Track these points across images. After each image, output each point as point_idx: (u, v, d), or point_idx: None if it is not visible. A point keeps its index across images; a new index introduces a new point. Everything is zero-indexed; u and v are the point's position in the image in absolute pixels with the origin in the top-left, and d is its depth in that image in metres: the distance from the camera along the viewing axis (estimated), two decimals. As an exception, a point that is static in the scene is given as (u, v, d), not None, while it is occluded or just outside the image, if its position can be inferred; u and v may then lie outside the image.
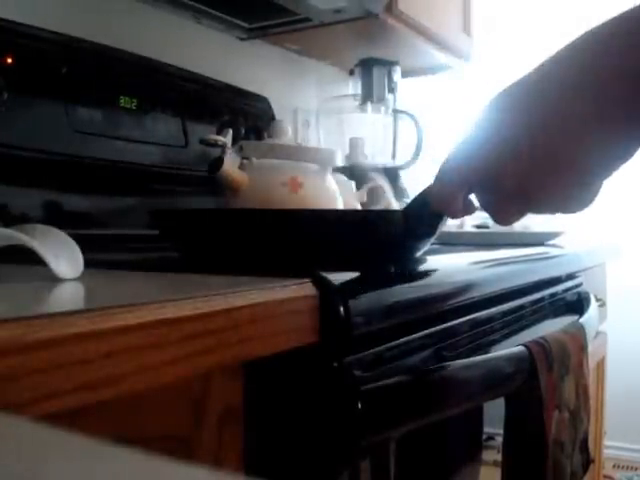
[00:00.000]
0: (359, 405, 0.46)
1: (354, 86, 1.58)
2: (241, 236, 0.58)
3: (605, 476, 1.98)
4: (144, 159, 0.99)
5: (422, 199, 0.53)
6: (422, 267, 0.64)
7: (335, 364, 0.46)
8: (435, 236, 0.61)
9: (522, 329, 0.76)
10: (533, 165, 0.42)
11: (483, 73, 2.05)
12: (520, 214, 0.47)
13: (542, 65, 0.43)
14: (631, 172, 2.33)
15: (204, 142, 1.03)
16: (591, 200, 0.45)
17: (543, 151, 0.42)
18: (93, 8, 1.07)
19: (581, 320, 0.81)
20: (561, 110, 0.41)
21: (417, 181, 1.25)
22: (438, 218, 0.56)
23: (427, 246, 0.64)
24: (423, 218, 0.55)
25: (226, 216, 0.61)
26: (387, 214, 0.69)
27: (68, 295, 0.43)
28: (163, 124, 1.04)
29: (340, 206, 0.87)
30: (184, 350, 0.35)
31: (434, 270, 0.65)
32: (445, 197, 0.49)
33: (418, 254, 0.64)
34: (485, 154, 0.45)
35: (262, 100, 1.28)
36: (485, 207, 0.49)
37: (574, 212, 0.46)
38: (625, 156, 0.42)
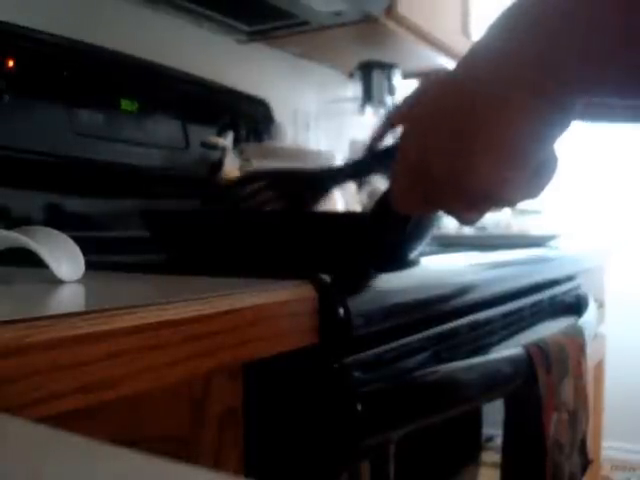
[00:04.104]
0: (358, 406, 0.46)
1: (354, 89, 1.58)
2: (237, 238, 0.58)
3: (603, 477, 1.98)
4: (145, 161, 1.00)
5: (385, 200, 0.49)
6: (422, 269, 0.64)
7: (335, 365, 0.47)
8: (421, 238, 0.61)
9: (521, 331, 0.76)
10: (454, 145, 0.40)
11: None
12: (473, 208, 0.43)
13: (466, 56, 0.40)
14: (630, 173, 2.33)
15: (205, 144, 1.03)
16: (543, 181, 0.42)
17: (462, 129, 0.39)
18: (94, 11, 1.07)
19: (580, 322, 0.81)
20: (483, 84, 0.38)
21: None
22: (404, 219, 0.53)
23: (420, 247, 0.64)
24: (388, 220, 0.52)
25: (220, 217, 0.61)
26: (354, 217, 0.68)
27: (69, 297, 0.43)
28: (164, 127, 1.04)
29: (340, 208, 0.88)
30: (184, 351, 0.36)
31: (433, 272, 0.65)
32: (399, 195, 0.46)
33: (411, 256, 0.64)
34: (415, 144, 0.43)
35: (262, 103, 1.28)
36: (439, 204, 0.45)
37: (527, 198, 0.42)
38: (558, 129, 0.38)
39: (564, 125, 0.38)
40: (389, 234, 0.55)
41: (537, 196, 0.43)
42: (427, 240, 0.65)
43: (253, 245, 0.57)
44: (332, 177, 0.62)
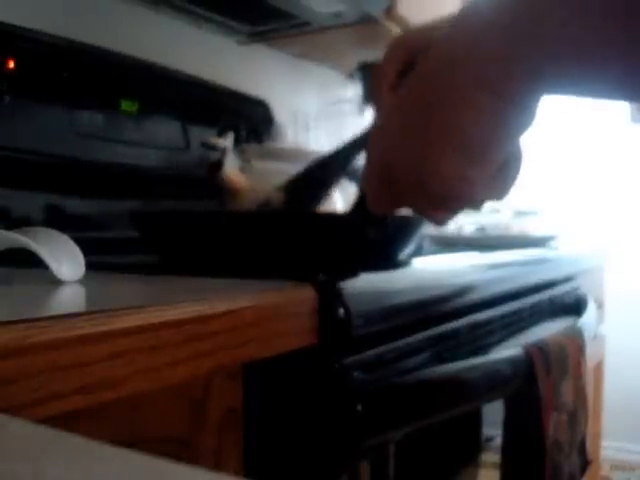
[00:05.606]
0: (359, 407, 0.46)
1: (354, 90, 1.58)
2: (227, 239, 0.58)
3: (603, 477, 1.98)
4: (145, 162, 1.00)
5: (361, 200, 0.50)
6: (421, 269, 0.64)
7: (335, 366, 0.47)
8: (408, 238, 0.61)
9: (521, 331, 0.76)
10: (414, 146, 0.39)
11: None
12: (439, 209, 0.43)
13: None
14: (629, 174, 2.33)
15: (205, 145, 1.03)
16: (508, 180, 0.42)
17: (422, 130, 0.39)
18: (94, 12, 1.07)
19: (579, 322, 0.81)
20: (440, 80, 0.37)
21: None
22: (381, 218, 0.52)
23: (409, 247, 0.64)
24: (366, 219, 0.52)
25: (218, 219, 0.61)
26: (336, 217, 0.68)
27: (69, 298, 0.44)
28: (164, 127, 1.04)
29: (340, 209, 0.88)
30: (185, 352, 0.36)
31: (433, 272, 0.65)
32: (371, 196, 0.46)
33: (400, 256, 0.64)
34: (379, 147, 0.43)
35: (262, 104, 1.28)
36: (408, 204, 0.45)
37: (493, 198, 0.42)
38: (518, 128, 0.38)
39: (525, 124, 0.38)
40: (368, 233, 0.55)
41: (504, 196, 0.43)
42: (415, 240, 0.65)
43: (242, 246, 0.57)
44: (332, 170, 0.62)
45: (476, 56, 0.36)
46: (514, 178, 0.42)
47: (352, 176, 1.12)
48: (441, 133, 0.38)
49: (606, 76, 0.32)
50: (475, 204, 0.43)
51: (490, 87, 0.36)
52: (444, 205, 0.42)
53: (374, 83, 0.47)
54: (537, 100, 0.37)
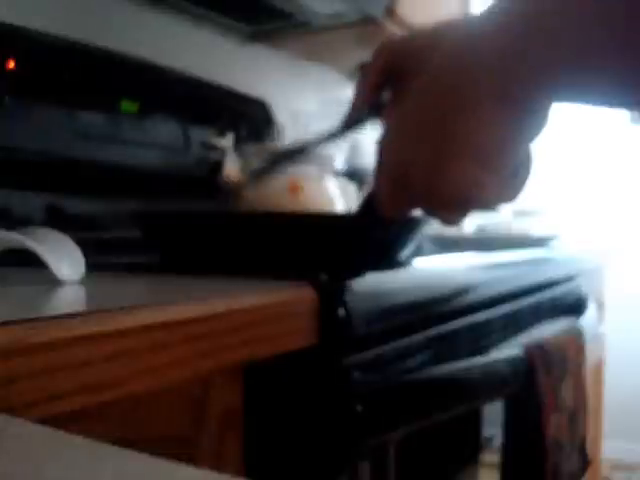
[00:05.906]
0: (358, 407, 0.46)
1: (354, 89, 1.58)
2: (229, 239, 0.58)
3: (603, 477, 1.98)
4: (145, 162, 1.00)
5: (370, 201, 0.50)
6: (422, 269, 0.64)
7: (335, 366, 0.47)
8: (410, 238, 0.61)
9: (521, 331, 0.76)
10: (427, 151, 0.40)
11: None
12: (452, 211, 0.43)
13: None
14: (630, 175, 2.33)
15: (205, 146, 1.03)
16: (519, 183, 0.42)
17: (435, 135, 0.39)
18: (94, 12, 1.07)
19: (579, 322, 0.81)
20: (451, 89, 0.38)
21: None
22: (389, 219, 0.54)
23: (410, 247, 0.64)
24: (374, 220, 0.51)
25: (219, 219, 0.61)
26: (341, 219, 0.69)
27: (69, 298, 0.44)
28: (164, 128, 1.04)
29: (340, 209, 0.88)
30: (185, 352, 0.36)
31: (433, 272, 0.65)
32: (384, 200, 0.46)
33: (402, 256, 0.64)
34: (391, 155, 0.43)
35: (262, 104, 1.28)
36: (422, 207, 0.45)
37: (504, 200, 0.43)
38: (529, 132, 0.38)
39: (536, 128, 0.38)
40: (376, 235, 0.55)
41: (514, 199, 0.43)
42: (416, 240, 0.65)
43: (242, 246, 0.57)
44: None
45: (488, 66, 0.36)
46: (524, 181, 0.43)
47: (353, 176, 1.12)
48: (454, 139, 0.38)
49: (621, 84, 0.33)
50: (486, 207, 0.43)
51: (503, 95, 0.36)
52: (456, 208, 0.43)
53: (358, 82, 0.48)
54: (549, 105, 0.37)
